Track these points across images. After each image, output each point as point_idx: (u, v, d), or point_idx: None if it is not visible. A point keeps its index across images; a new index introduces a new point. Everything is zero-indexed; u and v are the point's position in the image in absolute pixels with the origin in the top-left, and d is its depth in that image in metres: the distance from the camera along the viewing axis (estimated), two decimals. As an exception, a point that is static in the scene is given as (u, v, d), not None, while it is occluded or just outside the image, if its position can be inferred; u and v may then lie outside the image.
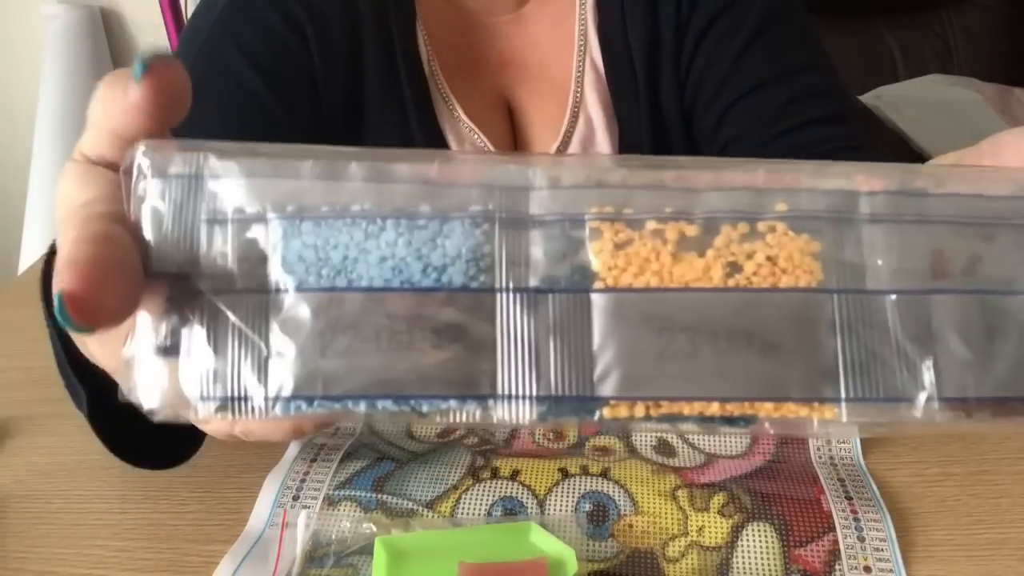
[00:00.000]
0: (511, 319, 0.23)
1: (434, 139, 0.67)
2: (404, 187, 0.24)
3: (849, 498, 0.44)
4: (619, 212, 0.23)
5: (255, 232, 0.23)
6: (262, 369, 0.23)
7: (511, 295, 0.23)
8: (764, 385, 0.22)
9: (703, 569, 0.41)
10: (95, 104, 0.26)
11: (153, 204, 0.23)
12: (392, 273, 0.23)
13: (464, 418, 0.23)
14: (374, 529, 0.43)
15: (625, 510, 0.44)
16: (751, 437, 0.49)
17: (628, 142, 0.69)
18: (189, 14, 1.54)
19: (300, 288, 0.23)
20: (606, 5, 0.68)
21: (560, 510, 0.44)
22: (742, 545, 0.42)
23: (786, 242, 0.23)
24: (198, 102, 0.68)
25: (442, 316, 0.23)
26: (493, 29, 0.70)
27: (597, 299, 0.23)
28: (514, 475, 0.46)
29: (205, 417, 0.23)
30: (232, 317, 0.23)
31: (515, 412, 0.23)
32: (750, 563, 0.41)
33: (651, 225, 0.23)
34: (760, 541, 0.42)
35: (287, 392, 0.23)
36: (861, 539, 0.42)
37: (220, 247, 0.23)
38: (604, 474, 0.46)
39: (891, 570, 0.41)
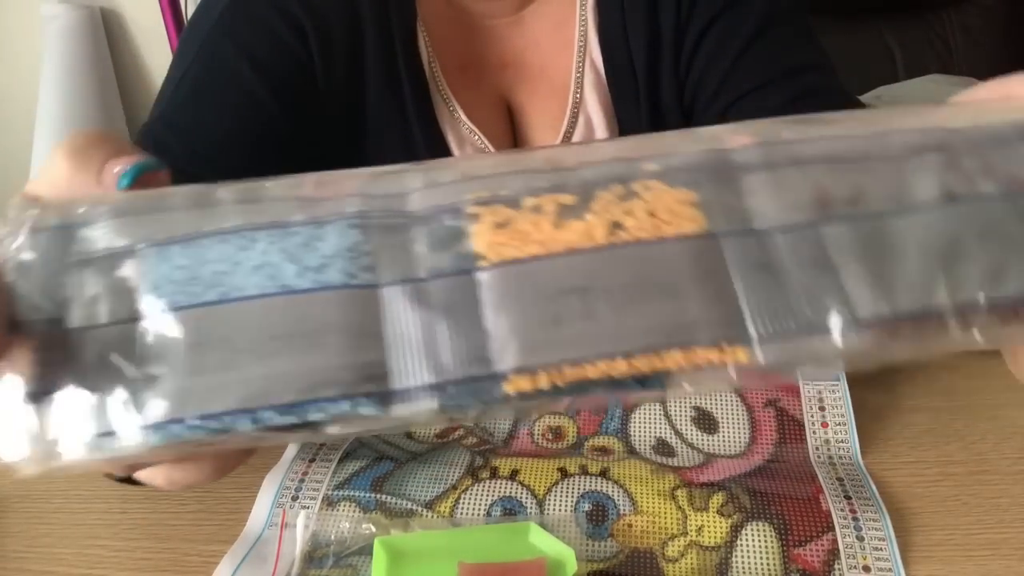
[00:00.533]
0: (398, 312, 0.22)
1: (434, 140, 0.67)
2: (278, 204, 0.23)
3: (848, 497, 0.44)
4: (495, 195, 0.23)
5: (126, 266, 0.23)
6: (135, 398, 0.21)
7: (395, 288, 0.22)
8: (666, 331, 0.21)
9: (702, 569, 0.41)
10: (57, 169, 0.26)
11: (21, 258, 0.23)
12: (266, 280, 0.22)
13: (362, 425, 0.22)
14: (373, 529, 0.43)
15: (624, 510, 0.44)
16: (750, 436, 0.49)
17: None
18: (189, 14, 1.54)
19: (170, 309, 0.22)
20: (606, 6, 0.68)
21: (559, 510, 0.44)
22: (741, 544, 0.42)
23: (663, 195, 0.22)
24: (198, 103, 0.67)
25: (323, 316, 0.22)
26: (494, 31, 0.70)
27: (483, 277, 0.22)
28: (513, 475, 0.46)
29: (76, 461, 0.21)
30: (102, 351, 0.22)
31: (413, 405, 0.21)
32: (749, 562, 0.41)
33: (529, 202, 0.22)
34: (759, 540, 0.42)
35: (160, 417, 0.21)
36: (860, 538, 0.42)
37: (91, 286, 0.22)
38: (603, 474, 0.46)
39: (890, 569, 0.41)
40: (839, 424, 0.50)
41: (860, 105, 0.70)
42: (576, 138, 0.70)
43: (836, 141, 0.23)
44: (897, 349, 0.22)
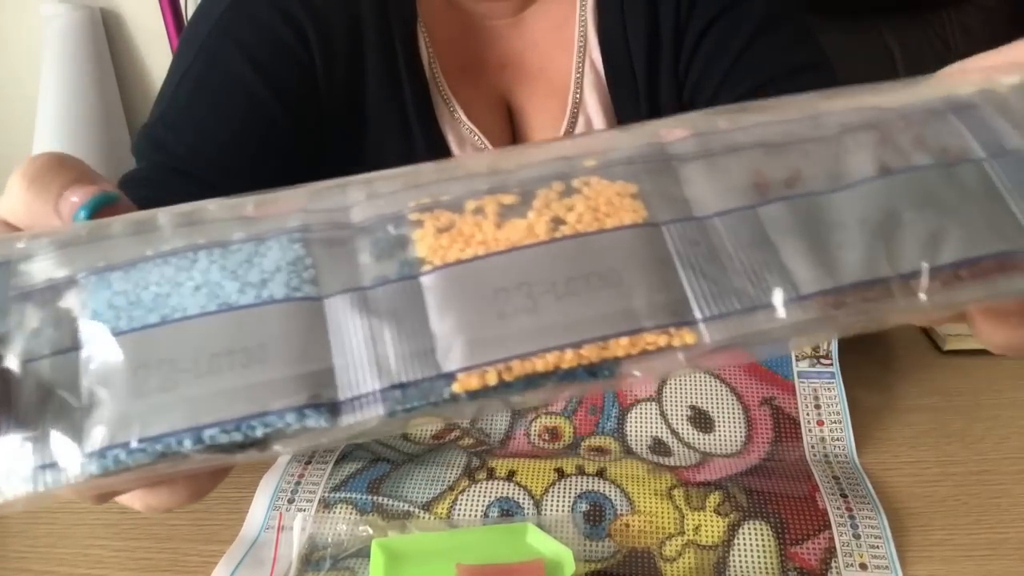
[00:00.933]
0: (342, 322, 0.22)
1: (434, 140, 0.67)
2: (218, 225, 0.23)
3: (844, 496, 0.45)
4: (437, 201, 0.23)
5: (66, 296, 0.22)
6: (76, 427, 0.21)
7: (339, 298, 0.22)
8: (612, 320, 0.21)
9: (700, 568, 0.41)
10: (14, 196, 0.25)
11: None
12: (207, 299, 0.22)
13: (311, 439, 0.21)
14: (370, 531, 0.43)
15: (622, 510, 0.44)
16: (746, 435, 0.49)
17: None
18: (189, 14, 1.54)
19: (112, 335, 0.22)
20: (606, 7, 0.68)
21: (557, 510, 0.44)
22: (738, 544, 0.42)
23: (603, 189, 0.23)
24: (199, 104, 0.67)
25: (266, 330, 0.21)
26: (494, 31, 0.70)
27: (426, 280, 0.22)
28: (510, 476, 0.46)
29: (19, 497, 0.21)
30: (45, 383, 0.21)
31: (362, 412, 0.21)
32: (747, 561, 0.41)
33: (470, 205, 0.23)
34: (756, 539, 0.42)
35: (101, 443, 0.21)
36: (857, 536, 0.42)
37: (31, 319, 0.22)
38: (600, 474, 0.46)
39: (887, 567, 0.41)
40: (835, 422, 0.50)
41: None
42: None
43: (771, 127, 0.24)
44: (845, 320, 0.22)
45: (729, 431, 0.50)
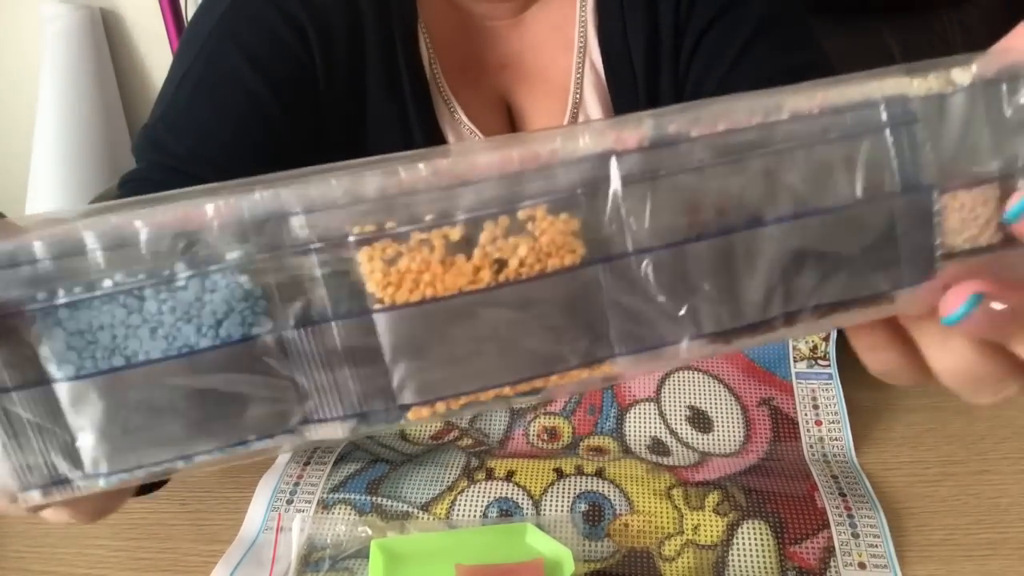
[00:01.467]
0: (302, 355, 0.24)
1: (434, 140, 0.68)
2: (150, 247, 0.23)
3: (843, 495, 0.45)
4: (382, 228, 0.23)
5: (15, 327, 0.23)
6: (72, 454, 0.24)
7: (296, 333, 0.23)
8: (547, 362, 0.24)
9: (699, 567, 0.41)
10: None
11: None
12: (167, 343, 0.23)
13: (287, 448, 0.25)
14: (369, 532, 0.43)
15: (621, 510, 0.44)
16: (744, 434, 0.49)
17: None
18: (189, 15, 1.54)
19: (80, 375, 0.23)
20: (606, 7, 0.68)
21: (556, 510, 0.44)
22: (737, 543, 0.42)
23: (547, 227, 0.24)
24: (199, 104, 0.67)
25: (232, 367, 0.23)
26: (494, 32, 0.70)
27: (380, 320, 0.23)
28: (509, 476, 0.46)
29: (34, 506, 0.24)
30: (23, 414, 0.23)
31: (327, 431, 0.25)
32: (746, 561, 0.41)
33: (416, 237, 0.23)
34: (755, 539, 0.42)
35: (104, 469, 0.24)
36: (855, 535, 0.42)
37: None
38: (599, 474, 0.46)
39: (885, 565, 0.41)
40: (833, 422, 0.50)
41: None
42: None
43: (717, 139, 0.24)
44: (731, 348, 0.25)
45: (728, 431, 0.50)
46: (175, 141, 0.62)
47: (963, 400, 0.27)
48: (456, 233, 0.23)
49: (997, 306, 0.24)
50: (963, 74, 0.24)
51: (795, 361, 0.53)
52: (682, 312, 0.25)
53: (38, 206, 1.64)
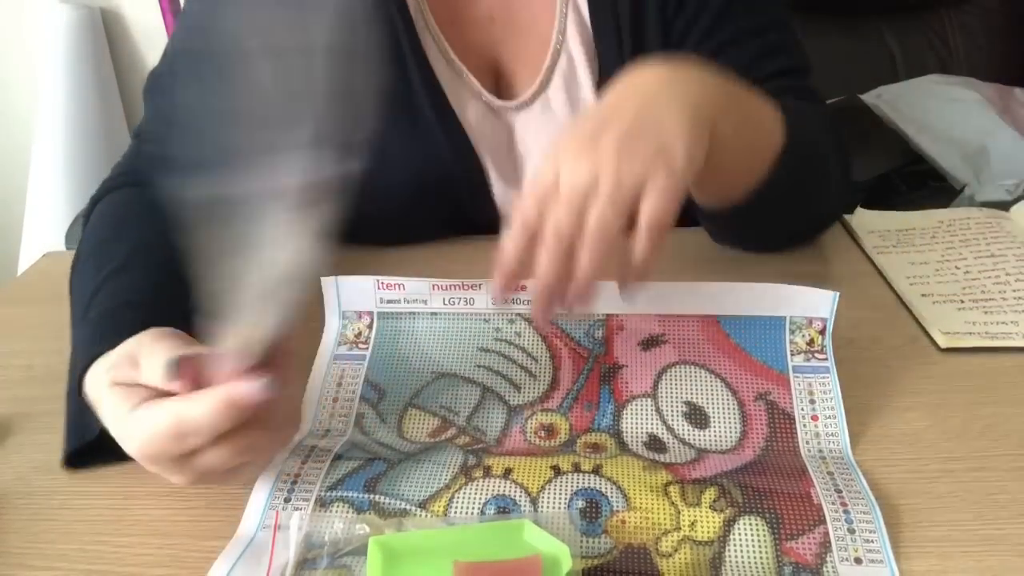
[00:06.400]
0: None
1: (430, 82, 0.72)
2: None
3: (839, 491, 0.45)
4: None
5: None
6: None
7: None
8: None
9: (696, 563, 0.41)
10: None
11: None
12: None
13: None
14: (367, 530, 0.43)
15: (618, 506, 0.44)
16: (741, 431, 0.50)
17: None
18: (190, 14, 1.54)
19: None
20: None
21: (553, 507, 0.44)
22: (734, 539, 0.42)
23: None
24: (193, 70, 0.72)
25: None
26: None
27: None
28: (507, 473, 0.46)
29: None
30: None
31: None
32: (743, 557, 0.41)
33: None
34: (752, 535, 0.42)
35: None
36: (851, 531, 0.42)
37: None
38: (596, 471, 0.46)
39: (881, 561, 0.41)
40: (829, 417, 0.50)
41: (807, 59, 0.78)
42: (558, 72, 0.74)
43: None
44: None
45: (724, 427, 0.50)
46: (177, 86, 0.68)
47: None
48: None
49: None
50: None
51: (792, 355, 0.53)
52: None
53: (38, 206, 1.64)
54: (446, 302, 0.56)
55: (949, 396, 0.54)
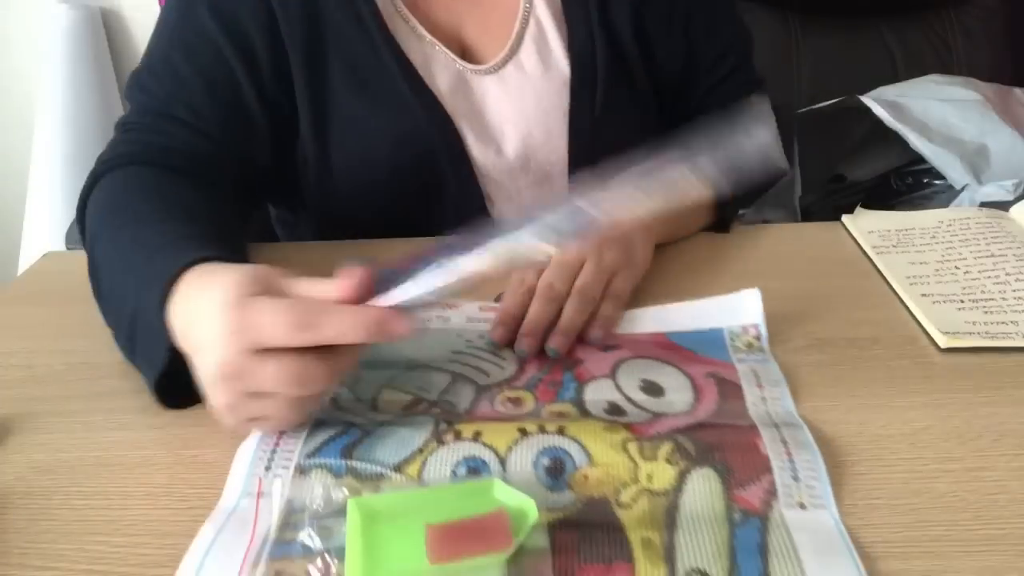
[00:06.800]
0: None
1: (399, 56, 0.74)
2: None
3: (784, 443, 0.47)
4: None
5: None
6: None
7: None
8: None
9: (653, 512, 0.43)
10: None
11: None
12: None
13: None
14: (346, 493, 0.45)
15: (580, 463, 0.46)
16: (694, 398, 0.53)
17: (580, 48, 0.78)
18: (189, 14, 1.54)
19: None
20: None
21: (520, 466, 0.46)
22: (688, 489, 0.45)
23: None
24: (175, 51, 0.76)
25: None
26: None
27: None
28: (476, 436, 0.48)
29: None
30: None
31: None
32: (695, 505, 0.44)
33: None
34: (704, 485, 0.45)
35: None
36: (796, 479, 0.45)
37: None
38: (560, 431, 0.48)
39: (823, 505, 0.44)
40: (774, 387, 0.54)
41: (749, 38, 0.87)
42: (527, 39, 0.78)
43: None
44: None
45: (679, 396, 0.53)
46: (157, 85, 0.72)
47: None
48: None
49: None
50: None
51: (734, 351, 0.58)
52: None
53: (38, 206, 1.64)
54: (423, 320, 0.61)
55: (949, 396, 0.54)
